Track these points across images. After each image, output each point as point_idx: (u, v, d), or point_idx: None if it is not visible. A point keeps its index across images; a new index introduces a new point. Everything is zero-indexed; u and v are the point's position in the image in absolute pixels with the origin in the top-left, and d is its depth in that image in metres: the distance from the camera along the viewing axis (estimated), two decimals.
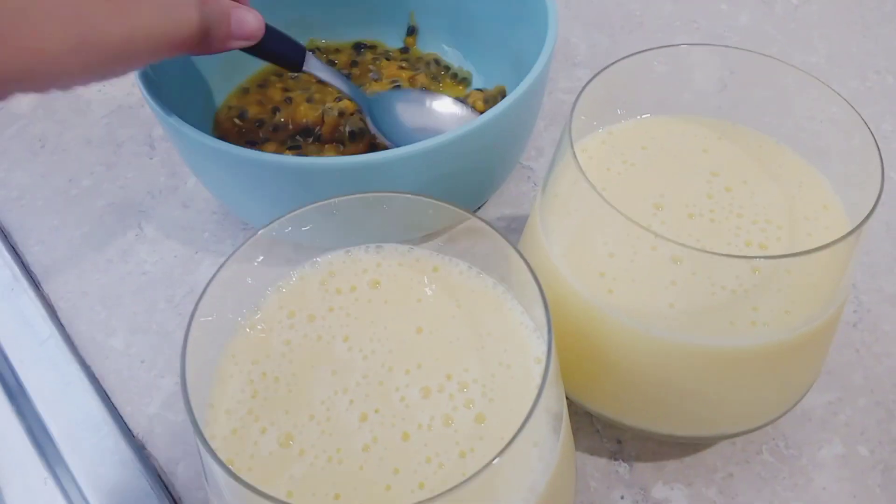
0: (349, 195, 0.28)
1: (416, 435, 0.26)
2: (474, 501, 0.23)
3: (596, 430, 0.37)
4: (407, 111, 0.46)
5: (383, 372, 0.28)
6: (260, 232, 0.28)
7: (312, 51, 0.50)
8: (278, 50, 0.40)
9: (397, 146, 0.38)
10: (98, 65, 0.29)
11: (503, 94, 0.49)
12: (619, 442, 0.37)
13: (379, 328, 0.29)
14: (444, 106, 0.47)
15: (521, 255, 0.26)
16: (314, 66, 0.42)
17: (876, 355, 0.40)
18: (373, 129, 0.44)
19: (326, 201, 0.28)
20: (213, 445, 0.26)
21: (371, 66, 0.52)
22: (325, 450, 0.26)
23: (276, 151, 0.46)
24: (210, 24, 0.33)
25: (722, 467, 0.36)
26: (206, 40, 0.33)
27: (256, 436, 0.26)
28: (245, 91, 0.51)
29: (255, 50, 0.38)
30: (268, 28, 0.38)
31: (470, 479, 0.21)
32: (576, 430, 0.37)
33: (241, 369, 0.28)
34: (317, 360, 0.28)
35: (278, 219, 0.28)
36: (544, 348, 0.26)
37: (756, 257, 0.28)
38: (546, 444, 0.26)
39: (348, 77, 0.51)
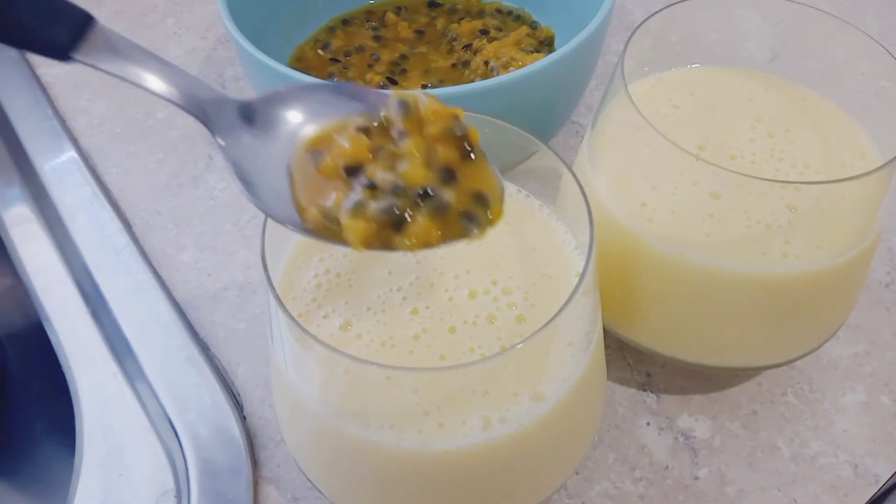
0: None
1: (462, 329, 0.29)
2: (513, 376, 0.26)
3: (627, 364, 0.39)
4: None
5: (435, 275, 0.30)
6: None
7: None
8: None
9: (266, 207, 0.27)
10: None
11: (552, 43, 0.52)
12: (649, 375, 0.39)
13: None
14: None
15: (572, 173, 0.29)
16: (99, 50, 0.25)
17: None
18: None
19: None
20: None
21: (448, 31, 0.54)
22: (380, 335, 0.28)
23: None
24: None
25: (747, 404, 0.38)
26: None
27: (319, 320, 0.29)
28: (332, 30, 0.55)
29: None
30: None
31: (512, 349, 0.24)
32: (608, 362, 0.39)
33: (309, 264, 0.31)
34: (375, 261, 0.31)
35: None
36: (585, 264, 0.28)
37: (791, 182, 0.30)
38: (580, 346, 0.28)
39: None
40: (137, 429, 0.38)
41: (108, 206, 0.47)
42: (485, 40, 0.53)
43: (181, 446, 0.37)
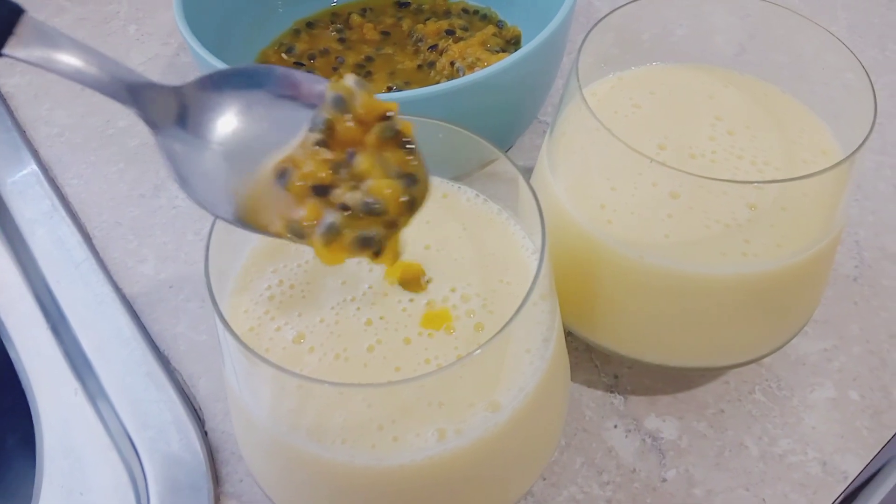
0: None
1: (417, 340, 0.28)
2: (469, 385, 0.25)
3: (594, 366, 0.39)
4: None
5: (388, 284, 0.30)
6: None
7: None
8: None
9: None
10: None
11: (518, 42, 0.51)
12: (616, 377, 0.39)
13: None
14: None
15: (526, 180, 0.28)
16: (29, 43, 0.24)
17: (874, 308, 0.41)
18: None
19: None
20: None
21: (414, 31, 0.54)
22: (333, 348, 0.28)
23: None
24: None
25: (714, 404, 0.38)
26: None
27: (272, 333, 0.28)
28: (296, 33, 0.54)
29: None
30: None
31: (465, 358, 0.23)
32: (574, 364, 0.39)
33: (262, 275, 0.30)
34: (328, 271, 0.30)
35: None
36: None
37: (749, 182, 0.30)
38: (537, 352, 0.27)
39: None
40: (98, 446, 0.37)
41: (67, 219, 0.46)
42: (451, 40, 0.52)
43: (141, 464, 0.36)
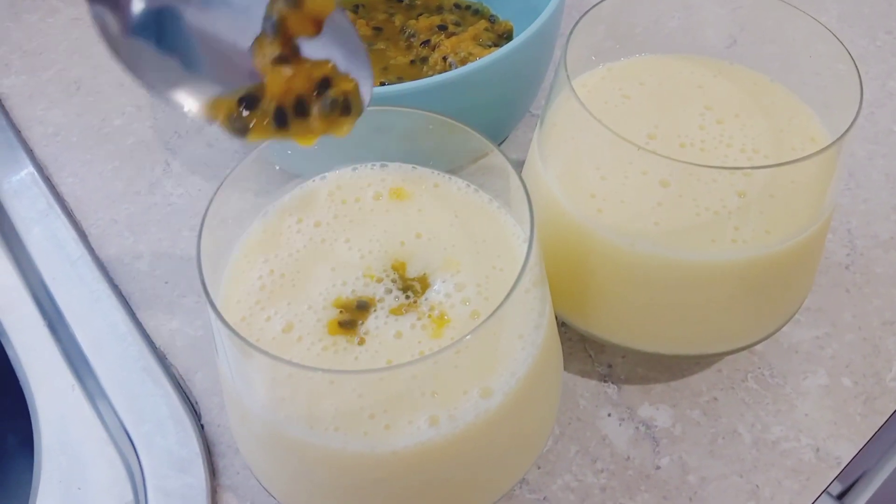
0: None
1: (408, 333, 0.28)
2: (459, 371, 0.25)
3: (588, 355, 0.39)
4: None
5: (380, 270, 0.30)
6: (262, 146, 0.30)
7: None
8: None
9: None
10: None
11: (510, 36, 0.51)
12: (610, 366, 0.39)
13: (379, 232, 0.31)
14: None
15: (512, 166, 0.28)
16: None
17: (866, 295, 0.41)
18: None
19: None
20: None
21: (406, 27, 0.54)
22: (322, 339, 0.28)
23: None
24: None
25: (707, 391, 0.38)
26: None
27: (262, 323, 0.29)
28: None
29: None
30: None
31: (451, 346, 0.23)
32: (568, 354, 0.39)
33: (252, 266, 0.30)
34: (319, 259, 0.30)
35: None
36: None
37: (738, 168, 0.30)
38: (529, 338, 0.28)
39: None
40: (95, 441, 0.38)
41: (63, 217, 0.47)
42: (443, 36, 0.52)
43: (139, 458, 0.36)
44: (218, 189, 0.29)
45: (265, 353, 0.23)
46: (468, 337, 0.24)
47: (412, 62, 0.52)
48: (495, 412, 0.26)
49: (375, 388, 0.25)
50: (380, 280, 0.30)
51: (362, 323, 0.28)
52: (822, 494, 0.35)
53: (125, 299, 0.42)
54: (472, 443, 0.26)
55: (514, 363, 0.27)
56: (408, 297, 0.29)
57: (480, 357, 0.26)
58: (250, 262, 0.30)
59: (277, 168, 0.32)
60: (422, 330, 0.28)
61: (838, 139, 0.29)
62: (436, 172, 0.33)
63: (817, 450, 0.36)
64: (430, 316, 0.28)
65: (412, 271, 0.30)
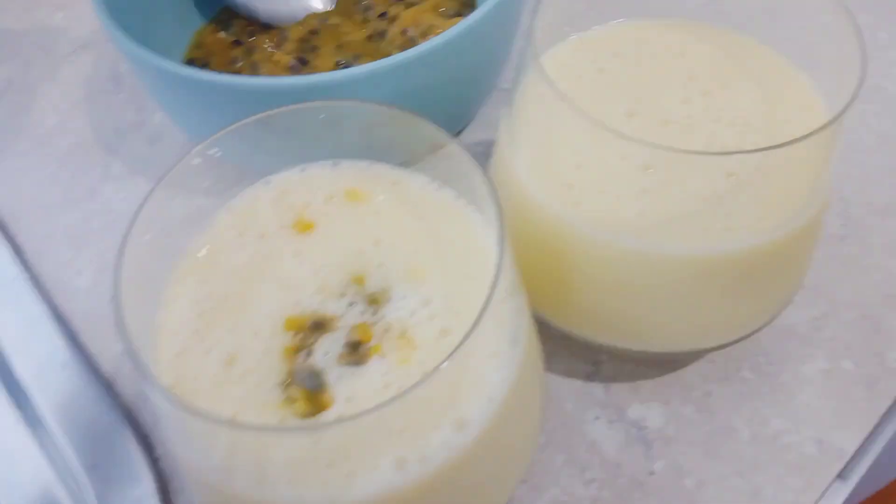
0: (296, 105, 0.27)
1: (373, 359, 0.25)
2: (429, 405, 0.22)
3: (572, 353, 0.36)
4: None
5: (336, 285, 0.27)
6: (197, 148, 0.26)
7: None
8: None
9: None
10: None
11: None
12: (596, 364, 0.36)
13: (332, 241, 0.27)
14: None
15: (478, 165, 0.25)
16: None
17: (864, 268, 0.39)
18: None
19: (264, 114, 0.26)
20: (158, 369, 0.25)
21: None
22: (270, 374, 0.25)
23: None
24: None
25: (700, 385, 0.35)
26: None
27: (200, 357, 0.25)
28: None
29: None
30: None
31: (422, 381, 0.20)
32: (551, 354, 0.36)
33: (188, 290, 0.27)
34: (265, 276, 0.27)
35: (222, 132, 0.27)
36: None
37: (725, 153, 0.27)
38: (505, 357, 0.25)
39: None
40: (40, 482, 0.34)
41: None
42: (402, 7, 0.48)
43: (91, 494, 0.33)
44: (144, 201, 0.25)
45: (198, 413, 0.20)
46: (444, 365, 0.21)
47: (369, 37, 0.48)
48: (472, 446, 0.23)
49: (333, 437, 0.22)
50: (339, 296, 0.26)
51: (319, 348, 0.25)
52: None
53: (66, 322, 0.39)
54: (448, 478, 0.24)
55: (489, 387, 0.24)
56: (370, 315, 0.26)
57: (452, 385, 0.23)
58: (185, 285, 0.27)
59: (219, 157, 0.28)
60: (386, 357, 0.25)
61: (839, 114, 0.26)
62: (394, 168, 0.30)
63: (820, 442, 0.34)
64: (396, 338, 0.25)
65: (371, 285, 0.27)
